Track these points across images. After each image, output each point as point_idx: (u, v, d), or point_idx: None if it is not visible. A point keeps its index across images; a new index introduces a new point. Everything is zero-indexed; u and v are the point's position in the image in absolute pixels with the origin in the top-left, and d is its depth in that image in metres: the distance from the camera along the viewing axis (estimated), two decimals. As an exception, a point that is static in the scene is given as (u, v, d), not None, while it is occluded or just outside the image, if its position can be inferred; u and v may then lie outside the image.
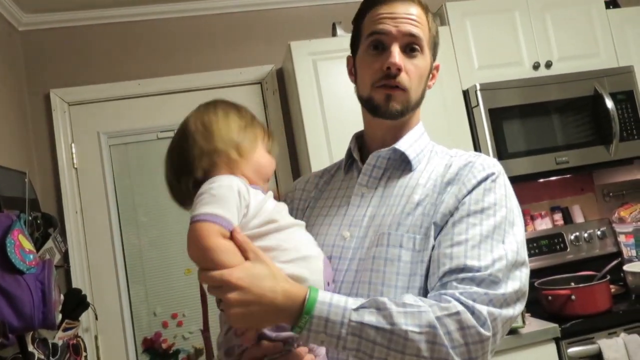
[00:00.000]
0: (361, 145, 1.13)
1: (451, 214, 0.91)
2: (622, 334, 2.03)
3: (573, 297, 2.07)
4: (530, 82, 2.38)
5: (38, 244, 1.91)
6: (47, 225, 2.07)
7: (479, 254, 0.86)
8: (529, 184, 2.72)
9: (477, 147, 2.36)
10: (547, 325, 2.06)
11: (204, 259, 0.80)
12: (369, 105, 1.03)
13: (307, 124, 2.27)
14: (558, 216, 2.75)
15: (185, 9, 2.60)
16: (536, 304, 2.24)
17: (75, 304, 2.01)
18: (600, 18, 2.55)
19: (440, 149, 1.08)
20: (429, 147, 1.07)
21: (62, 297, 1.85)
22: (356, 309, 0.80)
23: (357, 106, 1.10)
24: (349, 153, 1.12)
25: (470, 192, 0.92)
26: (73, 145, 2.45)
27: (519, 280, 0.87)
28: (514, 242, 0.89)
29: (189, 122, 0.96)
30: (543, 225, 2.71)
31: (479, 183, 0.93)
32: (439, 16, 2.52)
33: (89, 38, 2.53)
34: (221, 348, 0.92)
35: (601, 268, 2.20)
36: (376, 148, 1.05)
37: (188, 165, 0.92)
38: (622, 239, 2.63)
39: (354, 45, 1.09)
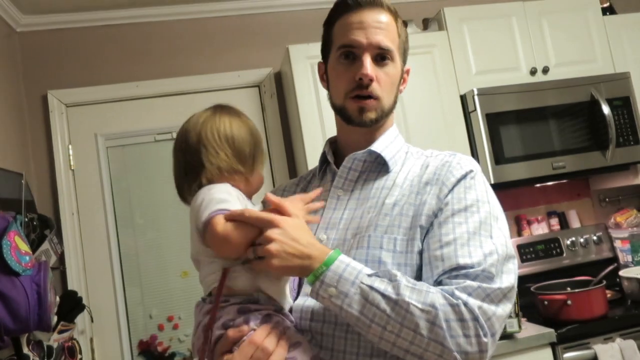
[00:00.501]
0: (335, 150, 1.14)
1: (435, 215, 0.93)
2: (618, 339, 2.04)
3: (569, 302, 2.08)
4: (528, 87, 2.39)
5: (34, 245, 1.91)
6: (44, 227, 2.06)
7: (469, 251, 0.87)
8: (526, 189, 2.73)
9: (474, 152, 2.37)
10: (543, 330, 2.06)
11: (231, 239, 0.85)
12: (342, 115, 1.05)
13: (305, 127, 2.27)
14: (554, 221, 2.75)
15: (184, 12, 2.60)
16: (532, 309, 2.25)
17: (71, 306, 2.00)
18: (597, 24, 2.56)
19: (415, 150, 1.09)
20: (404, 148, 1.09)
21: (57, 299, 1.84)
22: (370, 275, 0.84)
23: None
24: (323, 158, 1.14)
25: (451, 190, 0.94)
26: (70, 146, 2.44)
27: (513, 273, 0.90)
28: (501, 235, 0.91)
29: (205, 129, 0.96)
30: (539, 230, 2.72)
31: (459, 181, 0.95)
32: (437, 21, 2.53)
33: (87, 40, 2.52)
34: (194, 346, 0.93)
35: (597, 273, 2.20)
36: (351, 152, 1.06)
37: (197, 170, 0.94)
38: (618, 244, 2.63)
39: (325, 51, 1.10)
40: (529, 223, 2.73)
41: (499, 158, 2.32)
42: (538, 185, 2.67)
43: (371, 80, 0.99)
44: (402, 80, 1.09)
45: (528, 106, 2.37)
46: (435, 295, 0.82)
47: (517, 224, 2.75)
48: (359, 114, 1.01)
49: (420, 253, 0.92)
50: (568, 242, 2.65)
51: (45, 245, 1.98)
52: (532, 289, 2.26)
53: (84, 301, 2.12)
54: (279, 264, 0.83)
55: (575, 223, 2.77)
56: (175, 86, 2.55)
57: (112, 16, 2.53)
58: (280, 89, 2.64)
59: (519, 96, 2.37)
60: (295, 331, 0.91)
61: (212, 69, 2.61)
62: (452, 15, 2.47)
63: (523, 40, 2.49)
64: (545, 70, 2.48)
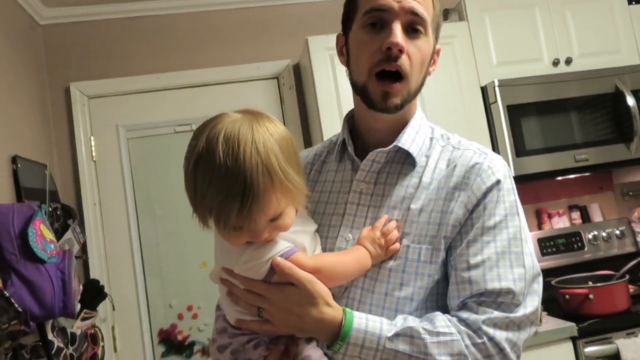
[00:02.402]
0: (352, 129, 1.04)
1: (461, 225, 0.88)
2: (641, 335, 2.01)
3: (591, 296, 2.05)
4: (550, 78, 2.35)
5: (57, 234, 1.94)
6: (67, 217, 2.10)
7: (499, 274, 0.85)
8: (547, 181, 2.69)
9: (494, 144, 2.34)
10: (564, 324, 2.04)
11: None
12: (364, 96, 0.94)
13: (324, 120, 2.27)
14: (576, 214, 2.72)
15: (204, 4, 2.61)
16: (553, 303, 2.22)
17: (94, 294, 2.03)
18: (622, 14, 2.51)
19: (439, 134, 1.01)
20: (428, 134, 1.00)
21: (80, 287, 1.88)
22: (390, 338, 0.81)
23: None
24: (344, 140, 1.03)
25: (480, 201, 0.89)
26: (92, 138, 2.48)
27: (537, 294, 0.88)
28: (529, 253, 0.89)
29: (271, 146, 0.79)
30: (560, 223, 2.69)
31: (489, 190, 0.89)
32: (457, 12, 2.50)
33: (109, 32, 2.55)
34: (214, 343, 0.94)
35: (619, 268, 2.17)
36: (372, 138, 0.99)
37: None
38: (641, 238, 2.59)
39: (347, 22, 0.98)
40: (550, 216, 2.70)
41: (519, 150, 2.29)
42: (560, 178, 2.64)
43: (401, 51, 0.87)
44: (432, 61, 0.97)
45: (550, 98, 2.34)
46: (460, 342, 0.81)
47: (538, 217, 2.72)
48: (382, 99, 0.90)
49: (444, 263, 0.89)
50: (590, 236, 2.61)
51: (69, 234, 2.01)
52: (553, 282, 2.24)
53: (106, 290, 2.15)
54: (283, 331, 0.85)
55: (597, 217, 2.72)
56: (195, 78, 2.57)
57: (133, 8, 2.56)
58: (299, 80, 2.64)
59: (540, 87, 2.34)
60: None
61: (231, 61, 2.61)
62: (473, 6, 2.44)
63: (545, 31, 2.45)
64: (569, 61, 2.43)
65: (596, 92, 2.36)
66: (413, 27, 0.90)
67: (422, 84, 0.96)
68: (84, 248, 2.33)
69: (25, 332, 1.42)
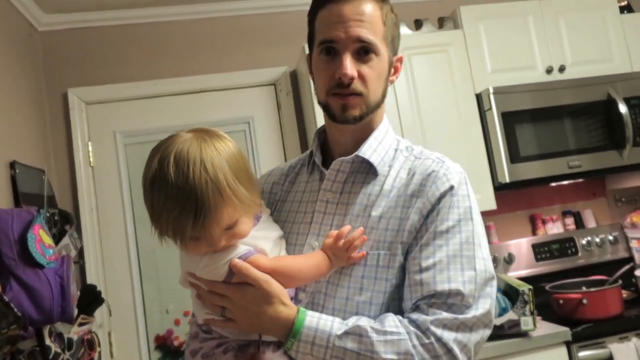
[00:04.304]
0: (324, 142, 1.11)
1: (417, 230, 0.92)
2: (634, 339, 2.03)
3: (584, 301, 2.07)
4: (544, 86, 2.39)
5: (55, 240, 1.94)
6: (64, 222, 2.10)
7: (449, 276, 0.88)
8: (541, 188, 2.72)
9: (489, 151, 2.37)
10: (558, 328, 2.06)
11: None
12: (326, 111, 1.01)
13: (320, 126, 2.28)
14: (570, 220, 2.74)
15: (200, 11, 2.63)
16: (547, 308, 2.25)
17: (90, 299, 2.03)
18: (614, 22, 2.55)
19: (404, 146, 1.06)
20: (393, 145, 1.05)
21: (78, 292, 1.88)
22: (340, 336, 0.85)
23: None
24: (312, 151, 1.10)
25: (434, 207, 0.93)
26: (90, 143, 2.49)
27: (490, 297, 0.90)
28: (481, 258, 0.91)
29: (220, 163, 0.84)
30: (554, 229, 2.71)
31: (443, 196, 0.93)
32: (452, 20, 2.53)
33: (107, 39, 2.57)
34: (188, 348, 0.99)
35: (612, 273, 2.19)
36: (338, 150, 1.05)
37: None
38: (634, 244, 2.62)
39: (310, 46, 1.05)
40: (544, 222, 2.72)
41: (514, 157, 2.31)
42: (553, 184, 2.66)
43: (352, 79, 0.94)
44: (392, 71, 1.04)
45: (544, 105, 2.37)
46: (407, 341, 0.84)
47: (532, 223, 2.74)
48: (341, 112, 0.97)
49: (402, 268, 0.92)
50: (583, 242, 2.64)
51: (66, 240, 2.02)
52: (547, 288, 2.26)
53: (103, 295, 2.15)
54: (245, 329, 0.89)
55: (590, 223, 2.75)
56: (192, 84, 2.59)
57: (131, 15, 2.57)
58: (296, 87, 2.66)
59: (534, 95, 2.37)
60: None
61: (229, 68, 2.63)
62: (467, 14, 2.47)
63: (539, 39, 2.49)
64: (562, 69, 2.47)
65: (589, 100, 2.39)
66: (364, 50, 0.96)
67: (383, 95, 1.02)
68: (81, 253, 2.33)
69: (23, 336, 1.42)
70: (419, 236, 0.92)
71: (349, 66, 0.94)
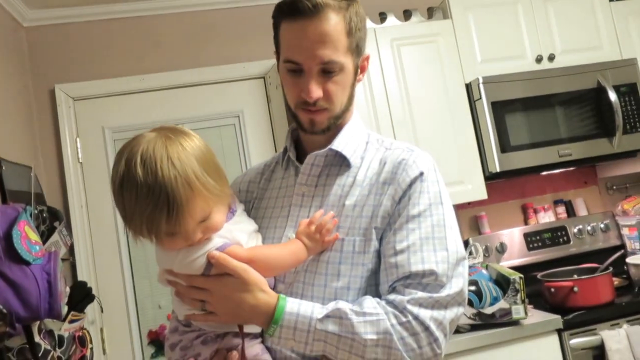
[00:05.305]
0: (297, 138, 1.13)
1: (390, 216, 0.96)
2: (625, 325, 2.04)
3: (575, 288, 2.08)
4: (533, 75, 2.38)
5: (44, 237, 1.93)
6: (53, 219, 2.08)
7: (422, 257, 0.91)
8: (532, 177, 2.72)
9: (479, 140, 2.36)
10: (549, 316, 2.07)
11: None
12: (296, 121, 1.05)
13: (310, 118, 2.27)
14: (561, 209, 2.75)
15: (188, 4, 2.61)
16: (539, 296, 2.25)
17: (81, 296, 2.02)
18: (603, 10, 2.54)
19: (375, 139, 1.09)
20: (364, 138, 1.08)
21: (67, 289, 1.87)
22: (321, 319, 0.88)
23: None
24: (286, 148, 1.12)
25: (405, 193, 0.96)
26: (78, 140, 2.47)
27: (462, 276, 0.94)
28: (452, 239, 0.95)
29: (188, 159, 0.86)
30: (546, 218, 2.72)
31: (413, 182, 0.96)
32: (441, 10, 2.52)
33: (94, 33, 2.54)
34: (167, 342, 0.99)
35: (604, 261, 2.20)
36: (312, 145, 1.07)
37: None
38: (625, 231, 2.63)
39: (276, 47, 1.06)
40: (536, 211, 2.73)
41: (504, 146, 2.31)
42: (544, 173, 2.67)
43: (317, 99, 0.98)
44: (358, 72, 1.06)
45: (534, 94, 2.36)
46: (385, 321, 0.87)
47: (524, 213, 2.74)
48: (310, 126, 1.02)
49: (377, 252, 0.95)
50: (575, 230, 2.65)
51: (55, 237, 2.00)
52: (538, 276, 2.27)
53: (94, 292, 2.14)
54: (226, 321, 0.90)
55: (582, 211, 2.76)
56: (181, 79, 2.57)
57: (118, 10, 2.55)
58: (285, 80, 2.64)
59: (524, 84, 2.37)
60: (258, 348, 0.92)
61: (218, 61, 2.62)
62: (456, 4, 2.46)
63: (528, 28, 2.48)
64: (551, 58, 2.46)
65: (579, 88, 2.39)
66: (328, 69, 0.98)
67: (350, 99, 1.05)
68: (71, 250, 2.32)
69: (10, 334, 1.41)
70: (392, 221, 0.95)
71: (314, 89, 0.97)
